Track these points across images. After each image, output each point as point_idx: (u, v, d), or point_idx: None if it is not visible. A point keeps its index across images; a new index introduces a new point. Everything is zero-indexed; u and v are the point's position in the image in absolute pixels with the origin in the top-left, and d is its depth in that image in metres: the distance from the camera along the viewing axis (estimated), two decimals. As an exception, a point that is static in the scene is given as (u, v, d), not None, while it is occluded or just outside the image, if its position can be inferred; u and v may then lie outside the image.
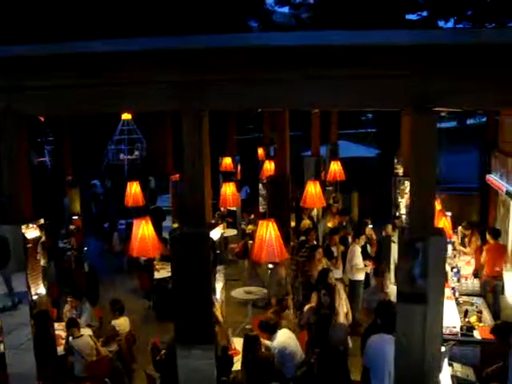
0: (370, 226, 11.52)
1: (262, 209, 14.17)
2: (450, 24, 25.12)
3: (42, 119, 12.64)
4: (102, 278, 11.73)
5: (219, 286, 6.95)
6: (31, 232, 5.01)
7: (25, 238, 4.83)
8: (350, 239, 10.81)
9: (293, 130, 11.11)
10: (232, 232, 14.26)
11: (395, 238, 10.16)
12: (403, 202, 11.59)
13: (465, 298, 8.84)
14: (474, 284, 9.50)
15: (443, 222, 8.93)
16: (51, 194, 13.05)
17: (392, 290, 7.73)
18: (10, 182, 4.64)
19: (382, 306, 6.38)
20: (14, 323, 4.75)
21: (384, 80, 3.67)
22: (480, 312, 8.15)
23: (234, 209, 14.67)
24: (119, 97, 4.14)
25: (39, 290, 5.23)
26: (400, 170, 13.18)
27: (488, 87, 3.61)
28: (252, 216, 14.55)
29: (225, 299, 7.29)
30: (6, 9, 16.09)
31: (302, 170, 13.56)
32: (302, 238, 10.94)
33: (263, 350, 6.58)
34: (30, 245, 4.98)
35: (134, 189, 12.07)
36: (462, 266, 10.08)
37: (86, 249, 12.06)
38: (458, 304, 8.45)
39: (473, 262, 10.27)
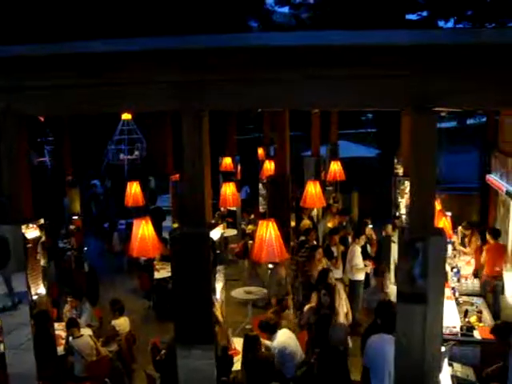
0: (370, 226, 11.52)
1: (261, 209, 14.17)
2: (450, 24, 25.13)
3: (42, 119, 12.65)
4: (102, 278, 11.73)
5: (219, 285, 6.94)
6: (31, 232, 5.01)
7: (25, 238, 4.83)
8: (349, 239, 10.82)
9: (293, 130, 11.11)
10: (232, 232, 14.25)
11: (395, 238, 10.16)
12: (403, 202, 11.58)
13: (465, 298, 8.84)
14: (474, 284, 9.50)
15: (443, 221, 8.93)
16: (51, 194, 13.05)
17: (392, 289, 7.73)
18: (10, 181, 4.64)
19: (382, 306, 6.38)
20: (14, 323, 4.75)
21: (384, 80, 3.67)
22: (480, 312, 8.15)
23: (234, 209, 14.67)
24: (119, 97, 4.14)
25: (39, 290, 5.23)
26: (400, 170, 13.18)
27: (488, 87, 3.61)
28: (252, 216, 14.55)
29: (225, 299, 7.28)
30: (5, 9, 16.08)
31: (302, 169, 13.56)
32: (302, 238, 10.94)
33: (263, 350, 6.58)
34: (29, 245, 4.98)
35: (134, 189, 12.07)
36: (462, 266, 10.08)
37: (86, 249, 12.06)
38: (458, 304, 8.45)
39: (473, 262, 10.27)
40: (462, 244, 11.15)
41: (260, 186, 14.90)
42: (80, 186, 12.92)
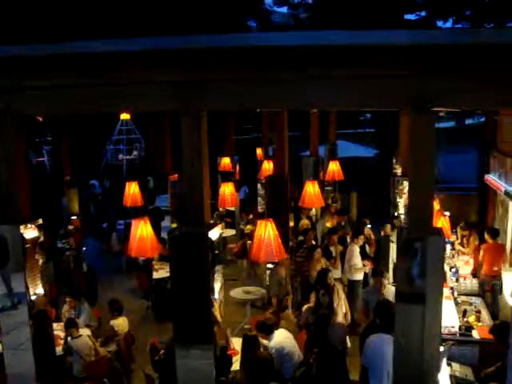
0: (369, 225, 11.53)
1: (260, 209, 14.18)
2: (449, 24, 25.15)
3: (41, 119, 12.64)
4: (100, 278, 11.73)
5: (217, 285, 6.95)
6: (29, 232, 5.00)
7: (23, 238, 4.82)
8: (348, 239, 10.82)
9: (291, 130, 11.12)
10: (231, 232, 14.26)
11: (394, 237, 10.18)
12: (402, 201, 11.60)
13: (463, 298, 8.85)
14: (472, 284, 9.50)
15: (442, 221, 8.93)
16: (50, 194, 13.06)
17: (388, 290, 7.73)
18: (9, 182, 4.63)
19: (381, 305, 6.38)
20: (13, 323, 4.74)
21: (383, 80, 3.67)
22: (478, 312, 8.15)
23: (233, 209, 14.66)
24: (119, 97, 4.13)
25: (38, 290, 5.22)
26: (398, 170, 13.20)
27: (487, 87, 3.62)
28: (250, 216, 14.54)
29: (223, 299, 7.30)
30: (5, 9, 16.07)
31: (300, 169, 13.57)
32: (301, 238, 10.94)
33: (262, 350, 6.58)
34: (28, 245, 4.97)
35: (132, 189, 12.06)
36: (460, 265, 10.08)
37: (84, 249, 12.07)
38: (456, 304, 8.46)
39: (471, 261, 10.27)
40: (461, 244, 11.16)
41: (259, 186, 14.91)
42: (78, 186, 12.94)
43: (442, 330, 6.90)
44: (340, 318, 7.72)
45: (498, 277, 9.52)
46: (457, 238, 11.32)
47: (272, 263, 7.55)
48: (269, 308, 7.60)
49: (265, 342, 6.77)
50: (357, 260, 9.91)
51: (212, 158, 5.35)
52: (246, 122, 29.08)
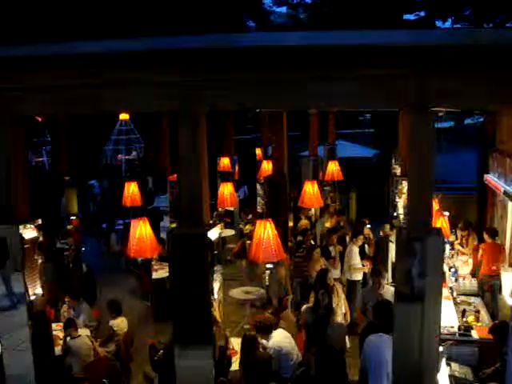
0: (368, 226, 11.53)
1: (259, 209, 14.18)
2: (448, 24, 25.19)
3: (40, 119, 12.62)
4: (99, 278, 11.70)
5: (217, 285, 6.96)
6: (29, 232, 5.01)
7: (22, 238, 4.82)
8: (347, 239, 10.82)
9: (290, 130, 11.13)
10: (230, 232, 14.24)
11: (393, 237, 10.18)
12: (401, 201, 11.61)
13: (462, 298, 8.85)
14: (471, 284, 9.50)
15: (441, 221, 8.92)
16: (49, 194, 13.04)
17: (387, 290, 7.74)
18: (8, 182, 4.63)
19: (380, 305, 6.38)
20: (12, 324, 4.74)
21: (383, 80, 3.67)
22: (478, 312, 8.15)
23: (232, 209, 14.66)
24: (119, 97, 4.13)
25: (37, 290, 5.23)
26: (398, 170, 13.21)
27: (487, 87, 3.62)
28: (250, 216, 14.54)
29: (223, 299, 7.30)
30: (5, 9, 16.07)
31: (299, 170, 13.57)
32: (299, 238, 10.94)
33: (261, 350, 6.58)
34: (27, 245, 4.98)
35: (131, 189, 12.04)
36: (459, 265, 10.08)
37: (83, 249, 12.04)
38: (455, 304, 8.46)
39: (470, 261, 10.27)
40: (461, 244, 11.16)
41: (258, 186, 14.91)
42: (78, 187, 12.92)
43: (441, 330, 6.90)
44: (339, 318, 7.72)
45: (496, 276, 9.51)
46: (456, 238, 11.32)
47: (271, 263, 7.54)
48: (268, 308, 7.60)
49: (264, 342, 6.77)
50: (356, 260, 9.91)
51: (211, 158, 5.36)
52: (246, 122, 29.10)
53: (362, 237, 10.28)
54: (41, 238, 5.32)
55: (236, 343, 7.12)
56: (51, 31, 15.80)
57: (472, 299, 8.83)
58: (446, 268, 9.36)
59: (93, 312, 8.82)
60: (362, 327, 7.36)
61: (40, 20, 16.75)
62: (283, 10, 30.75)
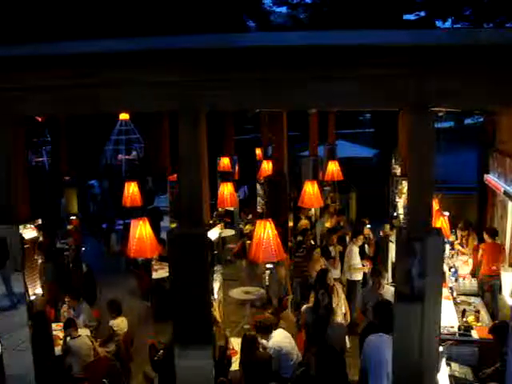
0: (368, 226, 11.53)
1: (259, 209, 14.18)
2: (448, 24, 25.21)
3: (40, 119, 12.63)
4: (99, 278, 11.70)
5: (217, 285, 6.95)
6: (29, 232, 5.00)
7: (22, 238, 4.82)
8: (347, 239, 10.82)
9: (290, 130, 11.12)
10: (230, 232, 14.24)
11: (393, 237, 10.18)
12: (401, 201, 11.60)
13: (462, 298, 8.85)
14: (471, 284, 9.50)
15: (441, 221, 8.92)
16: (49, 194, 13.05)
17: (387, 290, 7.75)
18: (8, 182, 4.63)
19: (380, 305, 6.38)
20: (12, 324, 4.74)
21: (383, 80, 3.67)
22: (478, 312, 8.15)
23: (232, 209, 14.67)
24: (118, 97, 4.13)
25: (37, 290, 5.22)
26: (398, 170, 13.20)
27: (487, 87, 3.62)
28: (250, 216, 14.55)
29: (223, 299, 7.29)
30: (5, 9, 16.08)
31: (299, 170, 13.58)
32: (299, 238, 10.95)
33: (261, 350, 6.58)
34: (27, 245, 4.97)
35: (131, 189, 12.04)
36: (459, 265, 10.09)
37: (83, 249, 12.04)
38: (455, 304, 8.46)
39: (470, 261, 10.27)
40: (461, 244, 11.17)
41: (258, 186, 14.92)
42: (78, 187, 12.92)
43: (441, 330, 6.90)
44: (339, 318, 7.72)
45: (496, 276, 9.52)
46: (456, 238, 11.33)
47: (271, 263, 7.54)
48: (268, 308, 7.60)
49: (264, 342, 6.77)
50: (356, 260, 9.92)
51: (211, 158, 5.36)
52: (246, 122, 29.10)
53: (361, 237, 10.28)
54: (41, 238, 5.31)
55: (236, 343, 7.12)
56: (52, 31, 15.80)
57: (472, 299, 8.83)
58: (446, 268, 9.36)
59: (93, 312, 8.82)
60: (362, 327, 7.36)
61: (40, 20, 16.76)
62: (283, 10, 30.80)
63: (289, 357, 6.69)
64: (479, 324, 7.79)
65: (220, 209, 13.82)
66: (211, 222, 8.97)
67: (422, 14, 25.54)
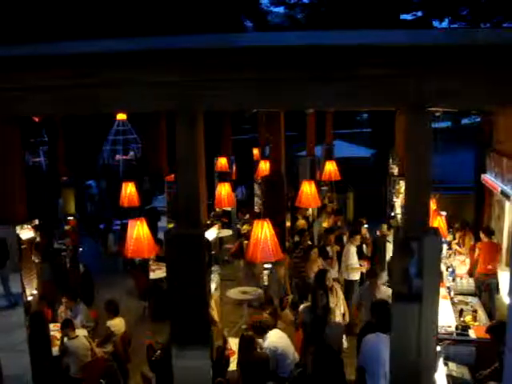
0: (366, 225, 11.54)
1: (257, 209, 14.18)
2: (445, 24, 25.25)
3: (37, 120, 12.60)
4: (97, 278, 11.70)
5: (213, 286, 6.96)
6: (26, 233, 5.00)
7: (19, 238, 4.81)
8: (345, 239, 10.83)
9: (288, 130, 11.12)
10: (227, 232, 14.24)
11: (390, 237, 10.19)
12: (398, 201, 11.62)
13: (460, 298, 8.87)
14: (469, 283, 9.52)
15: (438, 221, 8.95)
16: (46, 194, 13.02)
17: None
18: (5, 182, 4.62)
19: (378, 305, 6.39)
20: (9, 324, 4.73)
21: (382, 80, 3.67)
22: (475, 311, 8.17)
23: (229, 209, 14.66)
24: (118, 97, 4.12)
25: (34, 290, 5.22)
26: (395, 170, 13.23)
27: (485, 87, 3.62)
28: (247, 216, 14.55)
29: (220, 299, 7.29)
30: (5, 9, 16.05)
31: (297, 169, 13.57)
32: (297, 238, 10.95)
33: (259, 350, 6.58)
34: (24, 246, 4.97)
35: (129, 189, 12.04)
36: (457, 265, 10.11)
37: (81, 249, 12.03)
38: (453, 303, 8.48)
39: (468, 261, 10.30)
40: (458, 243, 11.19)
41: (255, 186, 14.91)
42: (75, 187, 12.90)
43: (439, 330, 6.91)
44: (338, 319, 7.73)
45: (492, 275, 9.55)
46: (453, 238, 11.35)
47: (270, 263, 7.55)
48: (267, 308, 7.60)
49: (259, 341, 6.77)
50: (353, 260, 9.93)
51: (209, 158, 5.36)
52: (243, 122, 29.10)
53: (359, 237, 10.29)
54: (38, 239, 5.31)
55: (234, 343, 7.12)
56: (52, 31, 15.79)
57: (469, 299, 8.85)
58: (443, 268, 9.38)
59: (90, 312, 8.82)
60: (360, 327, 7.37)
61: (40, 20, 16.74)
62: (280, 10, 30.79)
63: (285, 356, 6.69)
64: (476, 324, 7.81)
65: (217, 209, 13.82)
66: (209, 222, 8.97)
67: (419, 13, 25.57)
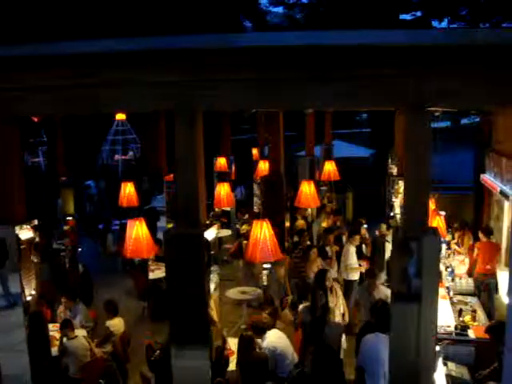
0: (365, 225, 11.54)
1: (256, 209, 14.18)
2: (444, 24, 25.25)
3: (36, 120, 12.60)
4: (96, 278, 11.69)
5: (212, 285, 6.94)
6: (25, 233, 4.99)
7: (18, 239, 4.81)
8: (344, 239, 10.83)
9: (287, 130, 11.12)
10: (226, 232, 14.24)
11: (389, 237, 10.19)
12: (397, 201, 11.62)
13: (459, 298, 8.87)
14: (468, 283, 9.52)
15: (437, 221, 8.95)
16: (45, 194, 13.03)
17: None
18: (4, 182, 4.62)
19: (377, 305, 6.39)
20: (8, 324, 4.73)
21: (381, 80, 3.67)
22: (474, 311, 8.18)
23: (229, 209, 14.66)
24: (118, 97, 4.12)
25: (33, 290, 5.21)
26: (394, 170, 13.23)
27: (484, 87, 3.62)
28: (246, 216, 14.55)
29: (219, 299, 7.28)
30: (5, 9, 16.04)
31: (296, 169, 13.57)
32: (296, 238, 10.95)
33: (258, 350, 6.58)
34: (23, 246, 4.96)
35: (128, 189, 12.03)
36: (456, 265, 10.11)
37: (80, 249, 12.02)
38: (452, 303, 8.48)
39: (467, 261, 10.30)
40: (457, 243, 11.20)
41: (254, 186, 14.91)
42: (74, 187, 12.89)
43: (438, 330, 6.90)
44: (338, 319, 7.73)
45: (491, 275, 9.55)
46: (453, 238, 11.35)
47: (270, 263, 7.54)
48: (266, 308, 7.60)
49: (258, 341, 6.77)
50: (352, 260, 9.93)
51: (208, 158, 5.35)
52: (242, 122, 29.10)
53: (358, 237, 10.29)
54: (37, 239, 5.31)
55: (233, 343, 7.12)
56: (52, 31, 15.78)
57: (468, 299, 8.85)
58: (442, 268, 9.39)
59: (89, 312, 8.82)
60: (359, 327, 7.38)
61: (40, 20, 16.73)
62: (279, 10, 30.79)
63: (284, 357, 6.69)
64: (476, 323, 7.81)
65: (217, 209, 13.82)
66: (208, 222, 8.96)
67: (419, 13, 25.57)
